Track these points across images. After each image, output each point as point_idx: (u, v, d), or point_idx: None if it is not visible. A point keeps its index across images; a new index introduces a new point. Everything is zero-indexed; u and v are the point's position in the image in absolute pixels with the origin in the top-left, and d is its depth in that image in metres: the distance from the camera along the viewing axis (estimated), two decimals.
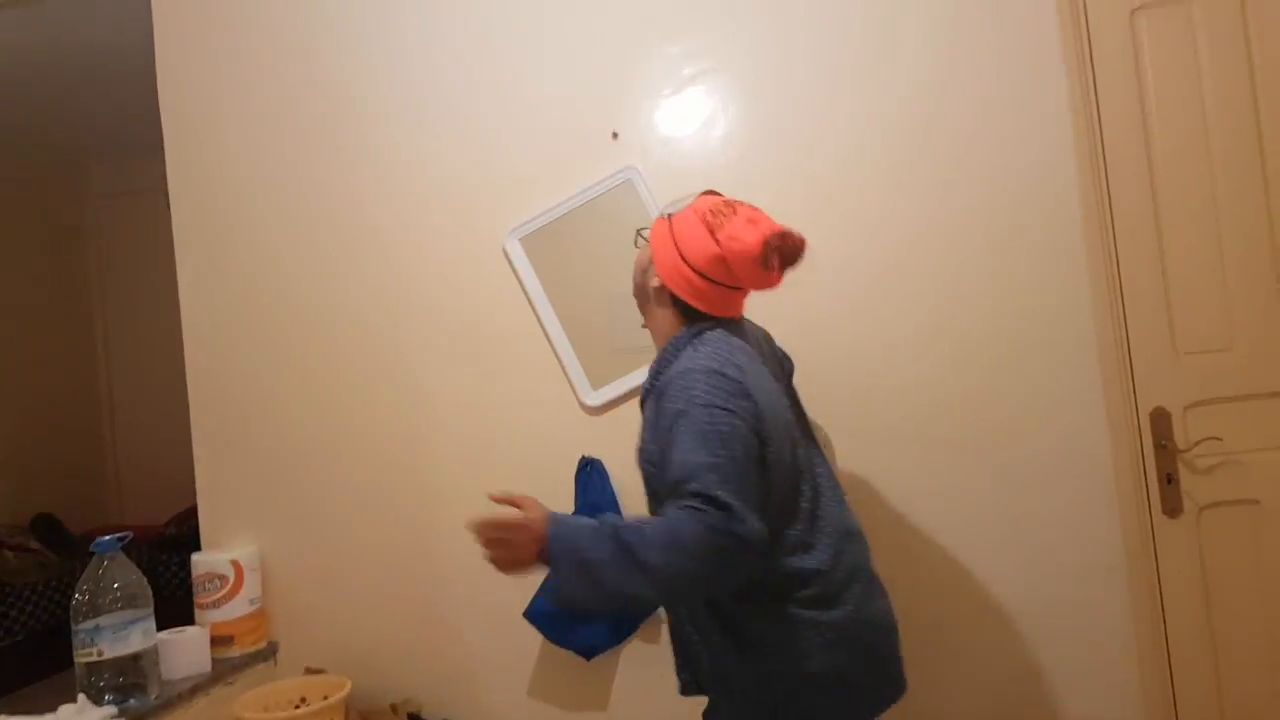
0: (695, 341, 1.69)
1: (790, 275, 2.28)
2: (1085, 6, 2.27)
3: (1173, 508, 2.23)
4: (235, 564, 2.45)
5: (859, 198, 2.34)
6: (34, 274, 5.08)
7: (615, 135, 2.42)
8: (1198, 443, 2.22)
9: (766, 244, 1.63)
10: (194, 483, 2.63)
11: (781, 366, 1.90)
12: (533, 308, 2.44)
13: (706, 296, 1.72)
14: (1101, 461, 2.24)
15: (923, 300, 2.31)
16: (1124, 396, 2.24)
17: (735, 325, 1.80)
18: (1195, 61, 2.24)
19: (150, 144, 2.72)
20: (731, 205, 1.72)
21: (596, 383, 2.40)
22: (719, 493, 1.46)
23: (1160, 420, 2.24)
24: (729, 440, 1.52)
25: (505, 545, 1.58)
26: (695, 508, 1.45)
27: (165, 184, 2.67)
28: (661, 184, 2.37)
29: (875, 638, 1.72)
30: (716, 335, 1.70)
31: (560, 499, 2.39)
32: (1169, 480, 2.23)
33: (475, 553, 2.41)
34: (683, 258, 1.71)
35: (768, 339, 1.98)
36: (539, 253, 2.44)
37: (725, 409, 1.55)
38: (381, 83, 2.55)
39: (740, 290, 1.77)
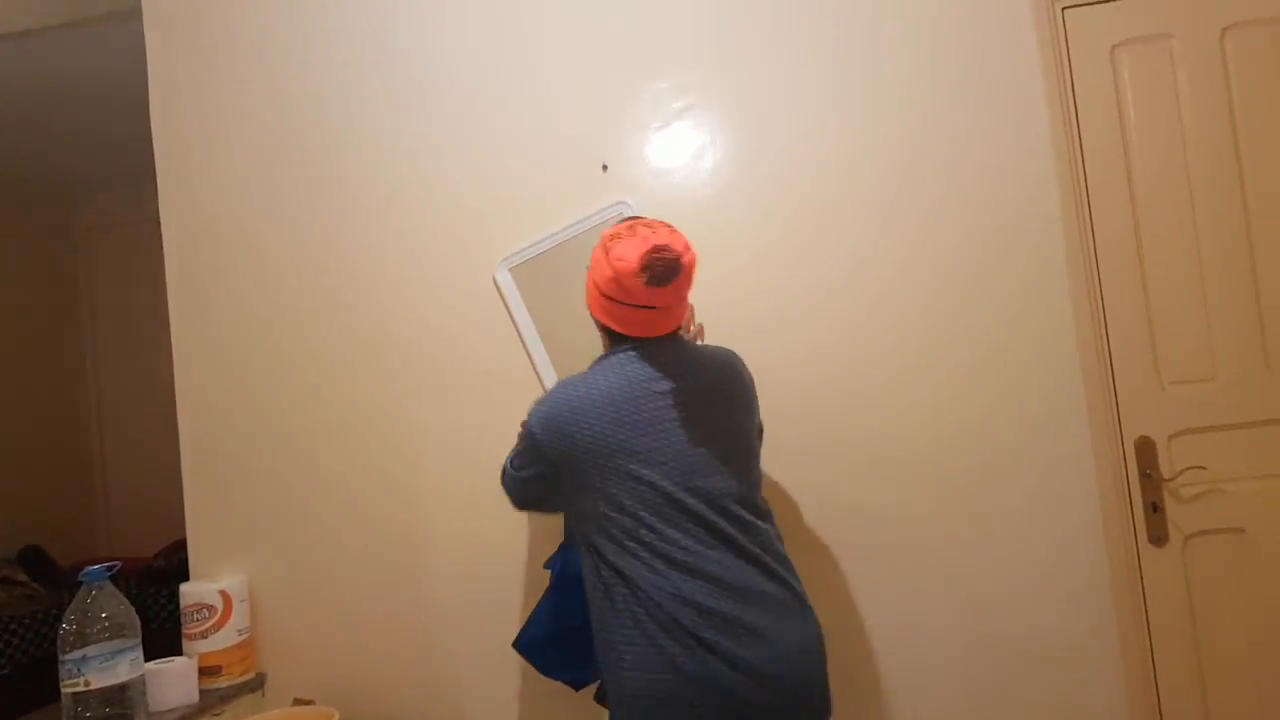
0: (595, 365, 1.92)
1: (776, 306, 2.34)
2: (1066, 42, 2.31)
3: (1158, 536, 2.25)
4: (224, 594, 2.44)
5: (844, 230, 2.37)
6: (24, 306, 5.09)
7: (605, 168, 2.45)
8: (1182, 471, 2.24)
9: (641, 260, 1.76)
10: (183, 515, 2.62)
11: (713, 394, 1.88)
12: (520, 338, 2.45)
13: (616, 316, 1.86)
14: (1087, 491, 2.26)
15: (907, 332, 2.33)
16: (1109, 426, 2.26)
17: (653, 348, 1.88)
18: (1175, 95, 2.29)
19: (141, 176, 2.74)
20: (632, 227, 1.84)
21: None
22: (509, 459, 2.01)
23: (1145, 449, 2.26)
24: (526, 441, 1.91)
25: None
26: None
27: (156, 215, 2.68)
28: (652, 215, 2.39)
29: (691, 693, 1.70)
30: (611, 361, 1.89)
31: (548, 528, 2.40)
32: (1154, 509, 2.25)
33: (464, 583, 2.45)
34: (594, 283, 1.89)
35: (718, 367, 1.95)
36: (528, 283, 2.45)
37: (531, 429, 1.89)
38: (372, 116, 2.58)
39: (650, 308, 1.83)
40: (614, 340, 1.92)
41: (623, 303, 1.84)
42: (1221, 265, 2.26)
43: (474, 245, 2.51)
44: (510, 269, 2.46)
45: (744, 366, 2.00)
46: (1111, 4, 2.30)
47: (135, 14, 2.72)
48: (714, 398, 1.88)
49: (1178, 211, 2.27)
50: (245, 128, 2.64)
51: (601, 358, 1.93)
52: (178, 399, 2.63)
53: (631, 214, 2.40)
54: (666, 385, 1.84)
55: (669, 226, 1.86)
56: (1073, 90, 2.31)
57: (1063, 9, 2.31)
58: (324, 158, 2.60)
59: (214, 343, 2.62)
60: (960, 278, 2.32)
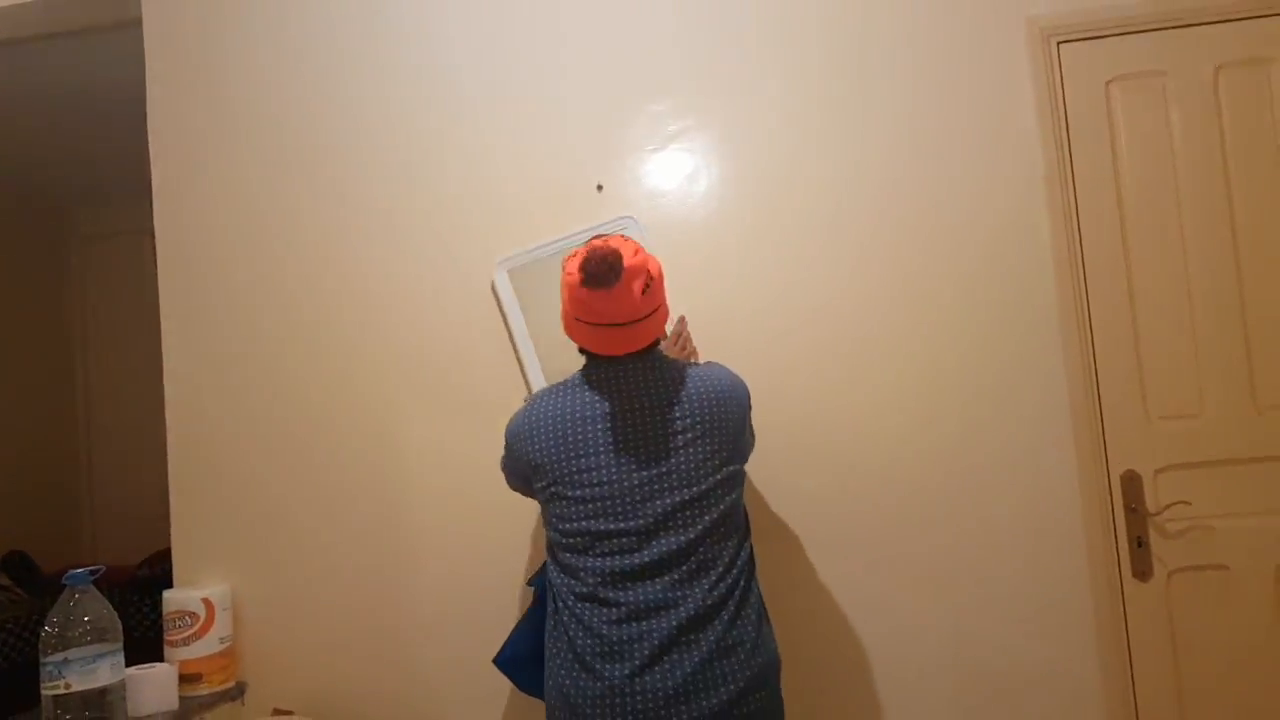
0: (565, 381, 1.95)
1: (766, 327, 2.35)
2: (1061, 76, 2.34)
3: (1143, 571, 2.25)
4: (207, 601, 2.43)
5: (836, 257, 2.39)
6: (14, 315, 5.10)
7: (600, 188, 2.47)
8: (1168, 507, 2.25)
9: (580, 268, 1.78)
10: (168, 525, 2.61)
11: (666, 416, 1.85)
12: (511, 339, 2.47)
13: (581, 335, 1.89)
14: (1072, 524, 2.27)
15: (895, 362, 2.35)
16: (1095, 459, 2.27)
17: (616, 368, 1.88)
18: (1168, 131, 2.31)
19: (133, 187, 2.74)
20: (589, 244, 1.83)
21: None
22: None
23: (1131, 484, 2.27)
24: (506, 443, 1.98)
25: None
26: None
27: (148, 227, 2.69)
28: (646, 235, 2.42)
29: (572, 713, 1.76)
30: (573, 380, 1.93)
31: (532, 544, 2.40)
32: (1139, 543, 2.25)
33: (447, 599, 2.45)
34: (562, 303, 1.91)
35: (680, 389, 1.88)
36: (524, 286, 2.46)
37: (505, 437, 1.97)
38: (370, 133, 2.59)
39: (607, 326, 1.83)
40: (587, 358, 1.94)
41: (586, 322, 1.84)
42: (1211, 301, 2.27)
43: (466, 261, 2.52)
44: (508, 270, 2.47)
45: (728, 388, 1.91)
46: (1106, 40, 2.33)
47: (134, 24, 2.73)
48: (667, 420, 1.84)
49: (1168, 246, 2.29)
50: (241, 141, 2.65)
51: (577, 372, 1.95)
52: (167, 407, 2.63)
53: (637, 228, 2.41)
54: (612, 408, 1.85)
55: (623, 238, 1.85)
56: (1066, 124, 2.33)
57: (1058, 43, 2.34)
58: (320, 172, 2.61)
59: (204, 353, 2.63)
60: (950, 307, 2.34)
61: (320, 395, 2.57)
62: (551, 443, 1.86)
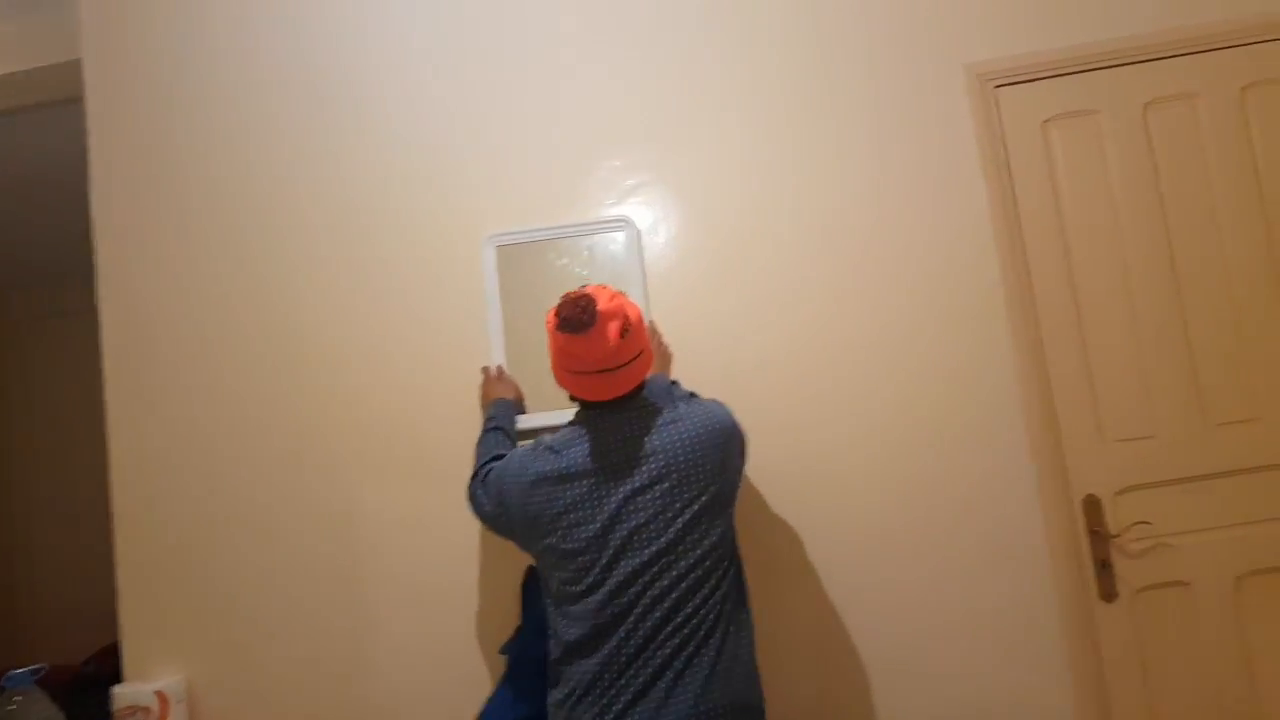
0: (558, 434, 1.98)
1: (728, 373, 2.36)
2: (1000, 118, 2.42)
3: (1108, 592, 2.28)
4: (160, 695, 2.32)
5: (794, 298, 2.41)
6: None
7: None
8: (1128, 528, 2.29)
9: (555, 313, 1.85)
10: (113, 620, 2.48)
11: (646, 471, 1.86)
12: (487, 311, 2.47)
13: (569, 383, 1.93)
14: (1037, 549, 2.30)
15: (857, 397, 2.37)
16: (1057, 486, 2.31)
17: (605, 420, 1.92)
18: (1104, 166, 2.40)
19: (73, 269, 2.65)
20: (568, 294, 1.88)
21: None
22: (476, 475, 2.10)
23: (1092, 507, 2.31)
24: (478, 486, 2.08)
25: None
26: (475, 473, 2.12)
27: (88, 309, 2.60)
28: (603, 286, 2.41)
29: None
30: (561, 435, 1.97)
31: (502, 612, 2.35)
32: (1103, 565, 2.29)
33: (412, 681, 2.38)
34: (551, 356, 1.95)
35: (658, 437, 1.89)
36: (507, 265, 2.47)
37: (479, 489, 2.07)
38: (318, 208, 2.55)
39: (589, 373, 1.87)
40: (579, 404, 1.98)
41: (570, 370, 1.89)
42: (1155, 324, 2.35)
43: (416, 333, 2.49)
44: (496, 246, 2.47)
45: (703, 430, 1.89)
46: (1041, 82, 2.42)
47: (71, 100, 2.67)
48: (642, 474, 1.86)
49: (1112, 275, 2.37)
50: (188, 217, 2.58)
51: (566, 425, 1.99)
52: (114, 491, 2.51)
53: (633, 231, 2.45)
54: (594, 464, 1.88)
55: (601, 286, 1.90)
56: (1008, 163, 2.41)
57: (995, 87, 2.42)
58: (270, 249, 2.55)
59: (152, 434, 2.52)
60: (907, 343, 2.38)
61: (275, 473, 2.49)
62: (543, 503, 1.90)
